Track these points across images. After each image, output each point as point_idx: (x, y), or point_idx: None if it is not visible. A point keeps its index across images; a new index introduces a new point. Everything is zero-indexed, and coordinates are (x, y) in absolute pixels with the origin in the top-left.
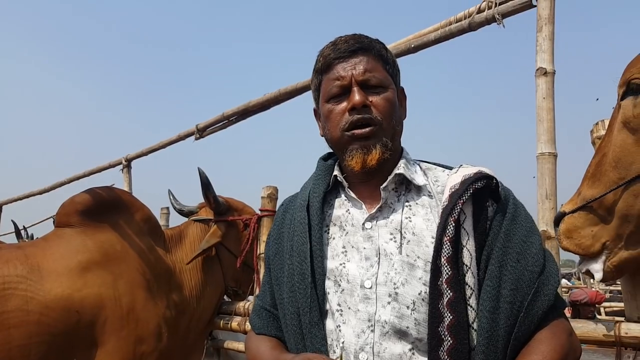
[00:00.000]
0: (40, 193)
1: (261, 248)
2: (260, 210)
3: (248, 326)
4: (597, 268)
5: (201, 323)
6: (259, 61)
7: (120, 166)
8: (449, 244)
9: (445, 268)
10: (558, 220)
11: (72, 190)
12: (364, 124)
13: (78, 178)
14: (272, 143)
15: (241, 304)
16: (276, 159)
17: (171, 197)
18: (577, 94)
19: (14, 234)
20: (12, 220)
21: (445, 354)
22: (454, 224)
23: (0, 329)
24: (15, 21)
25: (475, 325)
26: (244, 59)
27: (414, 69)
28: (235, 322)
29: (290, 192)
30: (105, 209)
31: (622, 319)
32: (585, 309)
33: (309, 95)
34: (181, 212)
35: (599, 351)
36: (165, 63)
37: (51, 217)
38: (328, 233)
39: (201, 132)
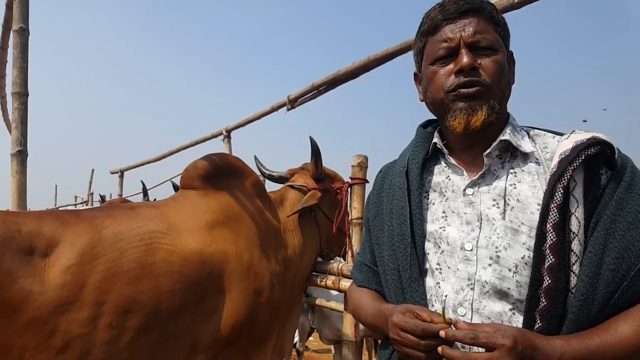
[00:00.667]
0: (154, 161)
1: (352, 214)
2: (351, 178)
3: (342, 284)
4: None
5: (302, 279)
6: (348, 29)
7: (221, 136)
8: (555, 210)
9: (551, 234)
10: None
11: (181, 157)
12: (470, 85)
13: (185, 147)
14: (361, 111)
15: (335, 264)
16: (366, 127)
17: (259, 163)
18: None
19: (142, 194)
20: (141, 181)
21: (538, 314)
22: (562, 191)
23: (150, 277)
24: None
25: (574, 290)
26: (333, 28)
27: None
28: (329, 281)
29: (378, 161)
30: (221, 174)
31: None
32: None
33: (398, 61)
34: (271, 177)
35: None
36: (255, 37)
37: (167, 180)
38: (427, 199)
39: (292, 102)
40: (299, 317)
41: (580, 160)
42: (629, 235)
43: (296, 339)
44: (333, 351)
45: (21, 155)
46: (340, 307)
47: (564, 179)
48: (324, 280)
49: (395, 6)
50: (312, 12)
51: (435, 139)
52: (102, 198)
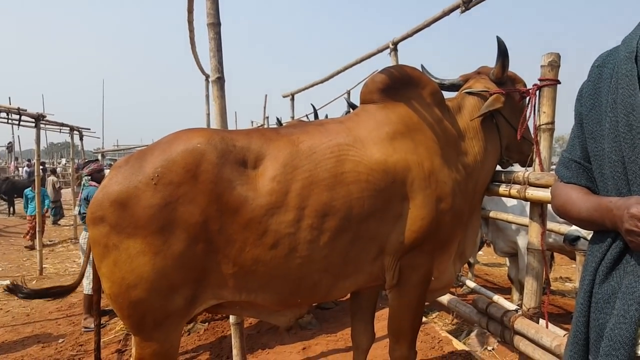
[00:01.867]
0: (322, 82)
1: (541, 119)
2: (540, 80)
3: (528, 193)
4: None
5: (484, 185)
6: None
7: (388, 50)
8: None
9: None
10: None
11: (347, 77)
12: None
13: (351, 66)
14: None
15: (520, 172)
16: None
17: (426, 72)
18: None
19: (313, 115)
20: (311, 104)
21: None
22: None
23: (342, 185)
24: None
25: None
26: None
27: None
28: (514, 190)
29: (572, 60)
30: (399, 86)
31: None
32: None
33: None
34: (442, 86)
35: None
36: None
37: (335, 99)
38: None
39: (467, 3)
40: (479, 223)
41: None
42: None
43: None
44: (508, 264)
45: (220, 82)
46: (519, 219)
47: None
48: (509, 189)
49: None
50: None
51: None
52: (278, 120)
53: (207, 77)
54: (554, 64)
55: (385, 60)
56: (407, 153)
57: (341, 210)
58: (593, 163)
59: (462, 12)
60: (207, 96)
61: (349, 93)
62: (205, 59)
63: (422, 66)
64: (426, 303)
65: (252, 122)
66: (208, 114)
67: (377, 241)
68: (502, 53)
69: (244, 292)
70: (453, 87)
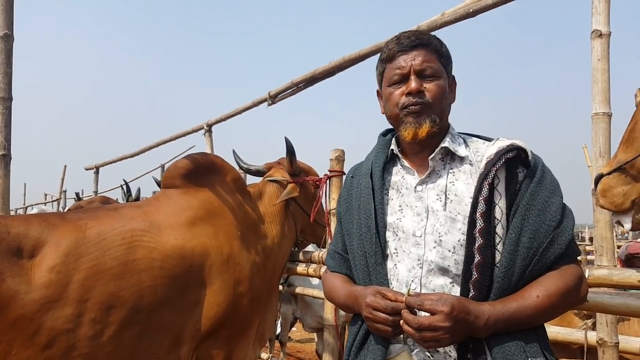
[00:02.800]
0: (131, 156)
1: (331, 205)
2: (329, 171)
3: (323, 272)
4: (627, 220)
5: (281, 266)
6: (324, 33)
7: (202, 131)
8: (483, 202)
9: (479, 221)
10: (597, 181)
11: (160, 153)
12: (416, 104)
13: (165, 142)
14: (338, 107)
15: (316, 253)
16: (342, 122)
17: (237, 157)
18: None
19: (119, 189)
20: (123, 179)
21: (471, 285)
22: (488, 187)
23: (132, 273)
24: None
25: (498, 264)
26: (309, 31)
27: (473, 33)
28: (311, 269)
29: (355, 154)
30: (202, 172)
31: None
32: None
33: (371, 61)
34: (248, 171)
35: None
36: (236, 37)
37: (147, 173)
38: (387, 195)
39: (273, 98)
40: (277, 304)
41: (501, 162)
42: (539, 220)
43: (279, 329)
44: (316, 339)
45: (5, 159)
46: (322, 294)
47: (489, 177)
48: (307, 269)
49: (368, 11)
50: (294, 11)
51: (393, 146)
52: (77, 195)
53: None
54: (340, 158)
55: (201, 140)
56: (207, 238)
57: (130, 300)
58: (349, 255)
59: (269, 105)
60: None
61: (163, 167)
62: None
63: (234, 151)
64: None
65: (45, 195)
66: None
67: (172, 331)
68: (289, 151)
69: None
70: (258, 173)
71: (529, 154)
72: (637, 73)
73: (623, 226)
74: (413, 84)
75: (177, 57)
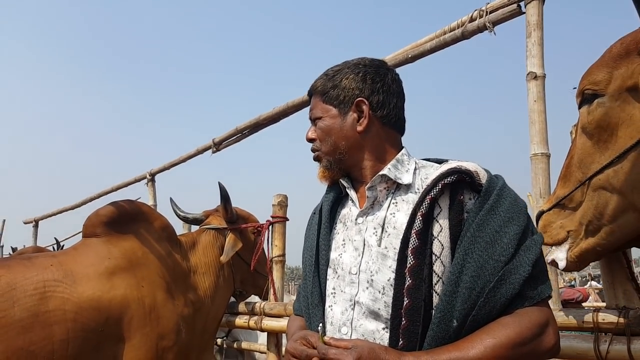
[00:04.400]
0: (72, 208)
1: (273, 252)
2: (272, 217)
3: (264, 324)
4: (561, 257)
5: (215, 321)
6: (268, 77)
7: (145, 180)
8: (415, 236)
9: (410, 258)
10: (538, 218)
11: (102, 204)
12: (313, 151)
13: (107, 193)
14: (282, 153)
15: (258, 304)
16: (286, 168)
17: (174, 205)
18: (571, 94)
19: (55, 246)
20: (55, 238)
21: (400, 333)
22: (421, 218)
23: (44, 326)
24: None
25: (435, 309)
26: (255, 76)
27: (413, 77)
28: (252, 321)
29: (299, 199)
30: (127, 220)
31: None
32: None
33: None
34: (186, 220)
35: (579, 337)
36: (179, 83)
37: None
38: (335, 229)
39: (217, 145)
40: (213, 358)
41: (437, 189)
42: (486, 255)
43: None
44: None
45: None
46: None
47: (423, 207)
48: (247, 321)
49: (311, 58)
50: (237, 55)
51: (343, 179)
52: (14, 250)
53: None
54: (282, 203)
55: (144, 190)
56: (128, 289)
57: (40, 356)
58: None
59: (214, 152)
60: None
61: None
62: None
63: (171, 199)
64: None
65: None
66: None
67: None
68: (223, 198)
69: None
70: (196, 221)
71: (481, 177)
72: (573, 111)
73: (557, 265)
74: (307, 133)
75: (120, 114)
